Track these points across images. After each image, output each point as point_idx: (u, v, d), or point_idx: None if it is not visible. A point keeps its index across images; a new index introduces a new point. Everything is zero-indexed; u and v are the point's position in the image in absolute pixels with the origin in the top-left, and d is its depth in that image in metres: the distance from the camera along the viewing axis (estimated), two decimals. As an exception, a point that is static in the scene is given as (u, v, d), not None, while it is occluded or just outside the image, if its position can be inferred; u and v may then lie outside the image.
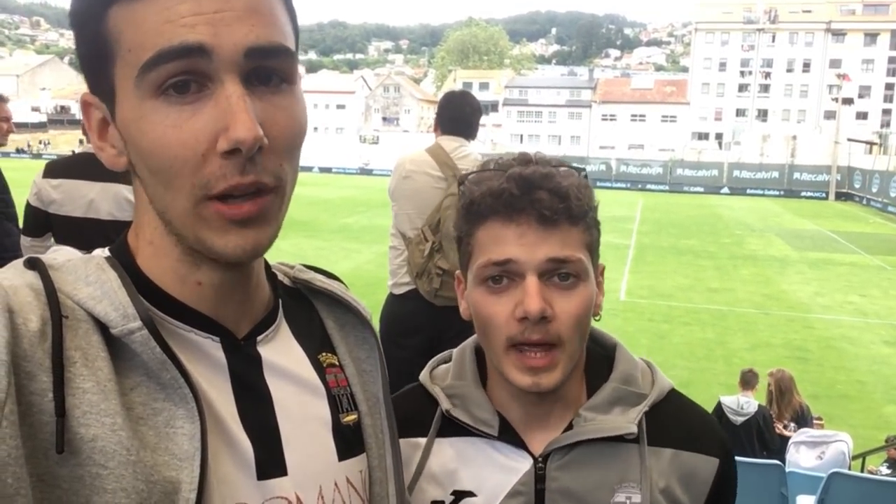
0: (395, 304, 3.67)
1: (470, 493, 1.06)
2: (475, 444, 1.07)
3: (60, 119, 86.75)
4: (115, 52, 0.68)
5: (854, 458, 6.54)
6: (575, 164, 1.05)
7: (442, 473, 1.07)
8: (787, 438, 6.76)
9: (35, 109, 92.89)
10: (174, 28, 0.65)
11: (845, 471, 5.08)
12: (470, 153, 3.58)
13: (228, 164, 0.67)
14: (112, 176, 3.48)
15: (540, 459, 1.04)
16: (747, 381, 7.30)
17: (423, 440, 1.10)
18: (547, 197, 0.97)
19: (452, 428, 1.09)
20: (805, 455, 6.00)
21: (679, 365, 11.28)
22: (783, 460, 5.87)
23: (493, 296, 1.00)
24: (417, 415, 1.11)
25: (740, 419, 6.50)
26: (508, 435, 1.06)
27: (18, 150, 67.85)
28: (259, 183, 0.68)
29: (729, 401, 6.80)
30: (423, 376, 1.16)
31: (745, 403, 6.72)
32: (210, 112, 0.66)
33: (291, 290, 0.91)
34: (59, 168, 3.65)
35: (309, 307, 0.92)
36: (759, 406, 6.83)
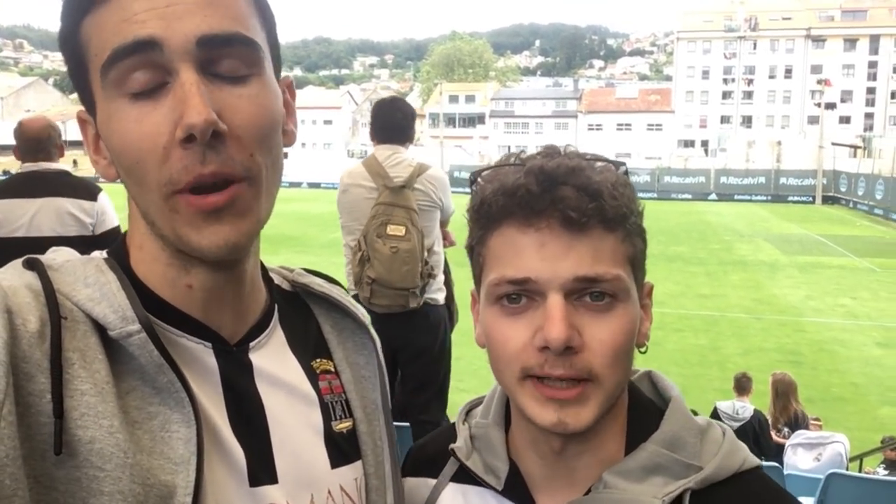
0: None
1: None
2: (484, 497, 0.91)
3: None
4: (88, 59, 0.70)
5: (851, 459, 6.53)
6: (615, 159, 0.85)
7: None
8: (782, 444, 6.75)
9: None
10: (129, 26, 0.66)
11: (843, 471, 5.07)
12: (403, 160, 3.61)
13: (188, 153, 0.66)
14: (52, 191, 3.43)
15: None
16: (742, 385, 7.31)
17: (432, 481, 0.96)
18: (573, 195, 0.77)
19: (468, 474, 0.93)
20: (802, 457, 6.00)
21: (673, 372, 11.28)
22: (781, 463, 5.86)
23: (507, 318, 0.80)
24: (439, 455, 0.97)
25: (736, 424, 6.49)
26: (516, 491, 0.88)
27: (5, 173, 67.50)
28: (221, 174, 0.67)
29: (725, 406, 6.80)
30: (458, 415, 1.01)
31: (741, 408, 6.73)
32: (168, 104, 0.67)
33: (289, 294, 0.90)
34: None
35: (306, 312, 0.90)
36: (755, 411, 6.83)
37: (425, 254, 3.51)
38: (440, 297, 3.71)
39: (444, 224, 3.81)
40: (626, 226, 0.80)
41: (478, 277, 0.87)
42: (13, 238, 3.36)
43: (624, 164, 0.85)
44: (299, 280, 0.91)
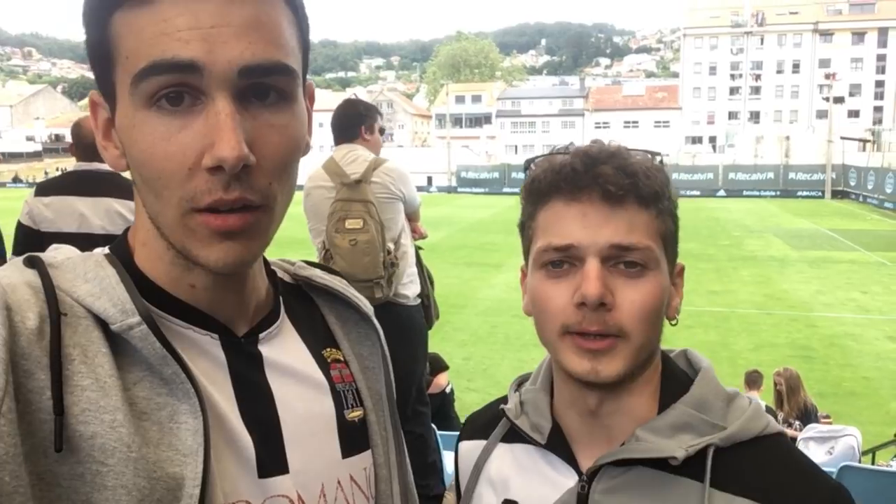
0: None
1: None
2: (529, 453, 1.01)
3: (55, 148, 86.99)
4: (115, 56, 0.68)
5: (864, 453, 6.51)
6: (653, 150, 0.95)
7: (498, 479, 1.03)
8: (793, 438, 6.74)
9: (30, 139, 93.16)
10: (169, 41, 0.65)
11: (856, 464, 5.06)
12: (358, 156, 3.66)
13: (214, 179, 0.66)
14: (102, 191, 3.54)
15: (585, 478, 0.94)
16: (753, 380, 7.31)
17: (483, 442, 1.07)
18: (611, 172, 0.88)
19: (517, 433, 1.03)
20: (815, 451, 5.97)
21: (683, 368, 11.25)
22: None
23: (551, 280, 0.91)
24: (492, 419, 1.09)
25: (747, 419, 6.48)
26: (557, 445, 0.98)
27: (14, 180, 67.92)
28: (244, 199, 0.68)
29: (736, 401, 6.78)
30: (510, 385, 1.11)
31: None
32: (199, 128, 0.66)
33: (292, 286, 0.91)
34: (50, 186, 3.69)
35: (310, 304, 0.91)
36: (766, 406, 6.82)
37: (388, 244, 3.54)
38: (410, 291, 3.69)
39: (412, 218, 3.83)
40: (658, 205, 0.91)
41: (527, 250, 0.97)
42: (64, 233, 3.46)
43: (660, 154, 0.95)
44: (301, 273, 0.91)
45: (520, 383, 1.11)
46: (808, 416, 7.09)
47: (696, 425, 0.91)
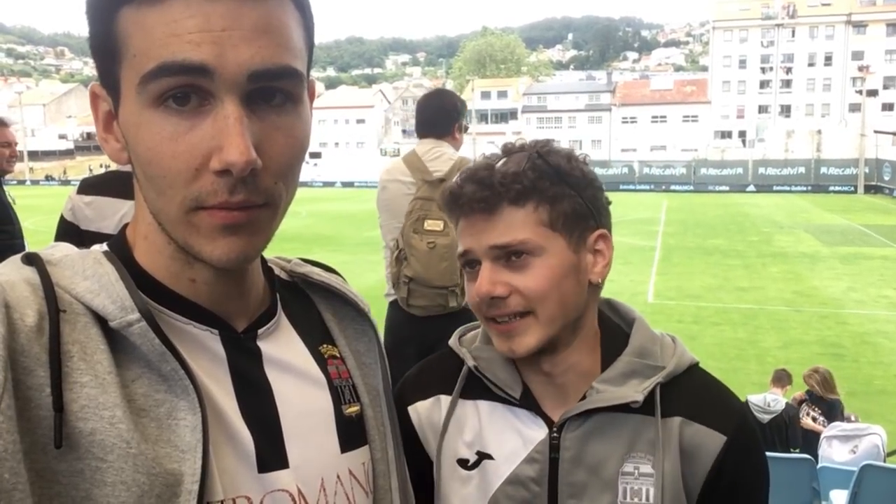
0: (388, 312, 3.52)
1: (489, 456, 1.10)
2: (496, 409, 1.12)
3: (87, 146, 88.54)
4: (122, 53, 0.68)
5: (890, 454, 6.43)
6: (530, 149, 1.07)
7: (469, 433, 1.13)
8: (815, 433, 6.69)
9: (62, 137, 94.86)
10: (180, 43, 0.65)
11: (878, 463, 5.02)
12: (443, 153, 3.43)
13: (220, 181, 0.67)
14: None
15: (555, 429, 1.08)
16: (779, 377, 7.23)
17: (447, 397, 1.16)
18: (472, 190, 1.04)
19: (477, 390, 1.14)
20: (838, 449, 5.92)
21: (710, 366, 10.99)
22: (815, 455, 5.81)
23: (470, 281, 1.09)
24: (445, 375, 1.18)
25: (767, 417, 6.42)
26: (528, 402, 1.10)
27: (47, 178, 69.28)
28: (248, 202, 0.68)
29: (756, 399, 6.71)
30: (452, 341, 1.21)
31: (773, 401, 6.64)
32: (207, 129, 0.66)
33: (288, 283, 0.92)
34: (92, 185, 3.68)
35: (307, 300, 0.93)
36: (787, 404, 6.76)
37: None
38: None
39: None
40: (535, 197, 1.03)
41: None
42: (102, 233, 3.41)
43: (547, 144, 1.08)
44: (297, 270, 0.93)
45: (461, 336, 1.23)
46: (832, 413, 7.00)
47: (642, 370, 1.08)
